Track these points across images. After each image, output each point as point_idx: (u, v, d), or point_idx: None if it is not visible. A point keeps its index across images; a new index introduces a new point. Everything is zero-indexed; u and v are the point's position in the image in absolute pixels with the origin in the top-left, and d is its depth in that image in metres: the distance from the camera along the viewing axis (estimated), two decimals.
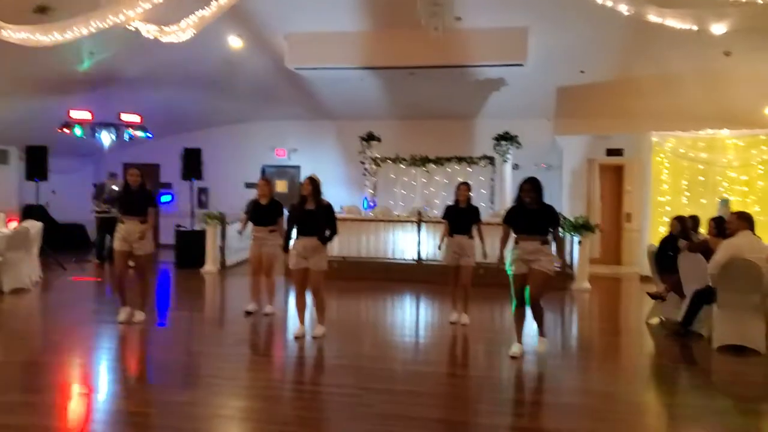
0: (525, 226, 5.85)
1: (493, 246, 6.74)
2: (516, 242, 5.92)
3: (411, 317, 8.57)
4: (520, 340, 6.02)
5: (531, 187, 5.83)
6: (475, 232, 7.33)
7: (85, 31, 7.07)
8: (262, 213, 7.62)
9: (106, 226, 11.47)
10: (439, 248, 7.58)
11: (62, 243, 12.95)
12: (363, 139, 13.26)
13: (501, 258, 6.18)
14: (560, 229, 6.20)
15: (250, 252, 7.80)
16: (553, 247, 5.94)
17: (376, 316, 8.67)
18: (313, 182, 6.44)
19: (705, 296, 6.65)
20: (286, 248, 6.72)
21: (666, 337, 7.06)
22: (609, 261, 12.76)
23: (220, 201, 14.26)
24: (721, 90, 11.47)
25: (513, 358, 5.89)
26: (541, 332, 6.10)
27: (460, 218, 7.34)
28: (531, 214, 5.83)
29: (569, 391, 5.25)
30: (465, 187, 7.47)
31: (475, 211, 7.37)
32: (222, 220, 11.47)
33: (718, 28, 7.91)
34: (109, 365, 5.74)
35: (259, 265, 7.71)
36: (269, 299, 7.72)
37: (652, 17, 7.24)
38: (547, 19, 9.98)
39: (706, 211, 10.74)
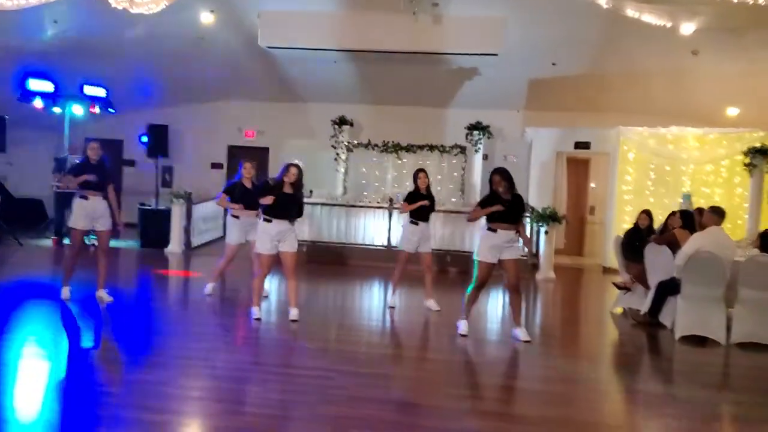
0: (501, 215, 5.93)
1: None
2: (491, 230, 5.98)
3: (380, 301, 8.56)
4: (468, 317, 6.24)
5: (501, 178, 5.97)
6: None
7: None
8: (252, 196, 7.29)
9: (67, 201, 11.14)
10: None
11: (18, 218, 12.52)
12: (335, 123, 13.12)
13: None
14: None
15: (235, 239, 7.45)
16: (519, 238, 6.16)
17: (344, 299, 8.63)
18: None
19: (669, 287, 6.80)
20: None
21: (631, 327, 7.21)
22: (572, 252, 12.98)
23: (185, 180, 13.94)
24: (687, 88, 11.71)
25: (463, 336, 6.12)
26: (519, 321, 6.27)
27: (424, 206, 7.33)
28: (506, 204, 5.93)
29: (537, 378, 5.32)
30: (424, 174, 7.38)
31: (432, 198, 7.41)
32: (188, 200, 11.24)
33: (688, 27, 8.09)
34: (73, 344, 5.59)
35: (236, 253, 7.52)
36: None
37: (630, 12, 7.34)
38: (522, 10, 10.01)
39: (668, 206, 11.01)
